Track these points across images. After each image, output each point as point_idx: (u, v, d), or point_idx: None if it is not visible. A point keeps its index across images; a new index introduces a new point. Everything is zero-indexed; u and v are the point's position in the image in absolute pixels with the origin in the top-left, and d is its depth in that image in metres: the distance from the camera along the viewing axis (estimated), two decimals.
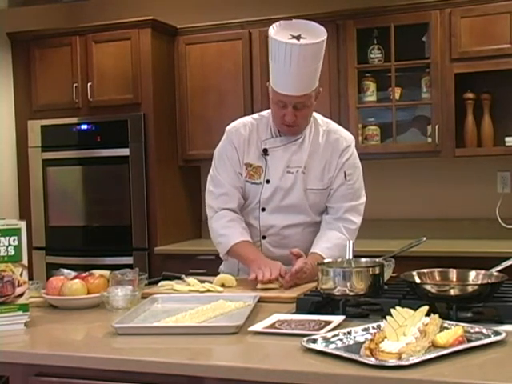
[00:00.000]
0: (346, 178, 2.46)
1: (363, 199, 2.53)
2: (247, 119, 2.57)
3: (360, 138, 4.14)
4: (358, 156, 2.55)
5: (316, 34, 2.33)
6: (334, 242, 2.42)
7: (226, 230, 2.47)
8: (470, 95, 3.93)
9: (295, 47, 2.25)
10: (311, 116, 2.49)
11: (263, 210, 2.50)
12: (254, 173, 2.49)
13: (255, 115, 2.59)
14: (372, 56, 4.11)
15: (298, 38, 2.28)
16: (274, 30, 2.31)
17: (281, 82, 2.34)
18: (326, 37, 2.35)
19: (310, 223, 2.51)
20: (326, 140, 2.49)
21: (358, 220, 2.50)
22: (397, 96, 4.09)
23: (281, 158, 2.47)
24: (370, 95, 4.14)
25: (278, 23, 2.33)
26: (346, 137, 2.53)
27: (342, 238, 2.41)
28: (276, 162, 2.47)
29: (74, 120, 4.42)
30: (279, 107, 2.38)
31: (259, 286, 2.24)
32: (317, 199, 2.48)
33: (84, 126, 4.40)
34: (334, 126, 2.56)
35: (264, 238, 2.52)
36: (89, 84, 4.38)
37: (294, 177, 2.45)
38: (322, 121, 2.55)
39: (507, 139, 3.87)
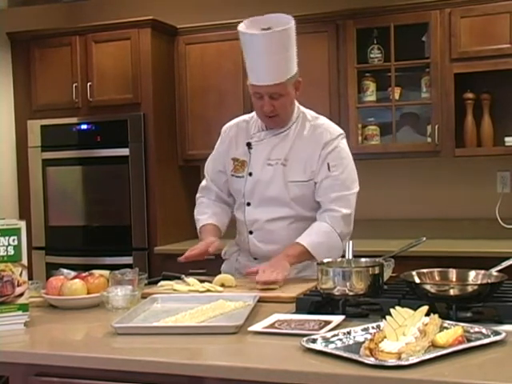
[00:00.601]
0: (329, 170, 2.45)
1: (353, 190, 2.50)
2: (241, 118, 2.67)
3: (360, 138, 4.14)
4: (346, 148, 2.54)
5: (284, 24, 2.38)
6: (315, 229, 2.43)
7: (199, 215, 2.68)
8: (470, 95, 3.93)
9: (262, 37, 2.33)
10: (292, 106, 2.51)
11: (248, 204, 2.55)
12: (239, 167, 2.56)
13: (250, 114, 2.66)
14: (372, 56, 4.11)
15: (267, 29, 2.36)
16: (244, 26, 2.41)
17: (254, 74, 2.41)
18: (292, 24, 2.39)
19: (296, 218, 2.50)
20: (312, 134, 2.51)
21: (346, 209, 2.45)
22: (396, 96, 4.09)
23: (263, 150, 2.52)
24: (370, 95, 4.14)
25: (247, 19, 2.43)
26: (331, 130, 2.52)
27: (325, 226, 2.42)
28: (258, 155, 2.52)
29: (73, 120, 4.42)
30: (257, 99, 2.44)
31: (259, 286, 2.24)
32: (299, 192, 2.47)
33: (84, 126, 4.40)
34: (321, 120, 2.57)
35: (251, 233, 2.56)
36: (89, 84, 4.38)
37: (274, 169, 2.49)
38: (310, 116, 2.57)
39: (507, 139, 3.87)
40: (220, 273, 2.58)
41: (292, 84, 2.44)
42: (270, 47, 2.33)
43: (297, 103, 2.57)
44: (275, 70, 2.36)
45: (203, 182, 2.74)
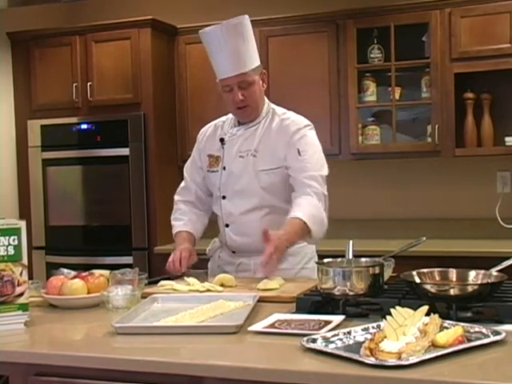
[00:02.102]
0: (299, 154, 2.52)
1: (324, 172, 2.56)
2: (218, 119, 2.78)
3: (360, 138, 4.14)
4: (314, 137, 2.61)
5: (236, 20, 2.54)
6: (306, 202, 2.45)
7: (175, 221, 2.75)
8: (470, 95, 3.93)
9: (218, 30, 2.50)
10: (262, 98, 2.61)
11: (224, 197, 2.63)
12: (214, 162, 2.66)
13: (228, 115, 2.75)
14: (372, 56, 4.11)
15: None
16: (202, 30, 2.58)
17: (220, 69, 2.56)
18: (245, 19, 2.55)
19: (269, 209, 2.55)
20: (280, 125, 2.60)
21: (322, 189, 2.50)
22: (397, 96, 4.09)
23: (234, 144, 2.62)
24: (370, 95, 4.14)
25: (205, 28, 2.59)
26: (299, 122, 2.61)
27: (312, 199, 2.46)
28: (230, 149, 2.62)
29: (73, 120, 4.42)
30: (227, 93, 2.55)
31: (259, 285, 2.24)
32: (270, 180, 2.54)
33: (84, 126, 4.40)
34: (289, 114, 2.65)
35: (227, 226, 2.64)
36: (89, 84, 4.38)
37: (245, 160, 2.57)
38: (280, 111, 2.66)
39: (507, 139, 3.87)
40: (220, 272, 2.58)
41: (258, 74, 2.56)
42: (226, 40, 2.48)
43: (267, 100, 2.67)
44: (237, 60, 2.50)
45: (182, 183, 2.81)
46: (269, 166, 2.55)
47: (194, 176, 2.76)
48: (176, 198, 2.80)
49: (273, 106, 2.68)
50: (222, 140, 2.65)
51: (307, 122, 2.64)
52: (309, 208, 2.43)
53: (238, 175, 2.58)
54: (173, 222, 2.76)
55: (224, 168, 2.62)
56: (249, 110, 2.58)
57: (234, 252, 2.64)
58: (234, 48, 2.49)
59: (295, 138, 2.55)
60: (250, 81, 2.52)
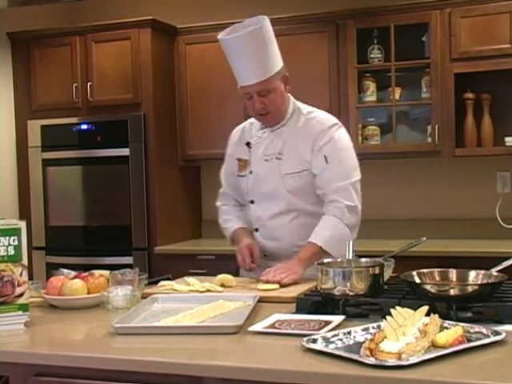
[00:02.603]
0: (327, 162, 2.46)
1: (354, 178, 2.49)
2: (247, 121, 2.75)
3: (360, 138, 4.14)
4: (343, 138, 2.54)
5: (256, 24, 2.46)
6: (323, 225, 2.43)
7: (224, 224, 2.74)
8: (470, 95, 3.93)
9: (236, 39, 2.42)
10: (284, 102, 2.54)
11: (252, 202, 2.61)
12: (243, 166, 2.63)
13: None
14: (372, 56, 4.11)
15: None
16: (223, 34, 2.49)
17: (240, 76, 2.49)
18: (265, 22, 2.47)
19: (297, 212, 2.51)
20: (305, 126, 2.54)
21: (348, 200, 2.43)
22: (397, 96, 4.09)
23: (260, 148, 2.58)
24: (370, 95, 4.14)
25: (227, 28, 2.50)
26: (324, 121, 2.54)
27: (332, 219, 2.42)
28: (256, 152, 2.59)
29: (73, 120, 4.42)
30: (248, 100, 2.51)
31: (259, 286, 2.24)
32: (295, 183, 2.49)
33: (84, 126, 4.40)
34: (315, 113, 2.59)
35: (257, 230, 2.62)
36: (89, 84, 4.38)
37: (270, 164, 2.54)
38: (305, 110, 2.60)
39: (507, 139, 3.87)
40: (220, 273, 2.58)
41: (279, 79, 2.49)
42: (246, 48, 2.42)
43: (292, 99, 2.61)
44: (257, 68, 2.43)
45: (221, 189, 2.81)
46: (294, 170, 2.50)
47: (229, 181, 2.74)
48: (218, 203, 2.82)
49: (299, 104, 2.62)
50: (248, 144, 2.62)
51: (334, 120, 2.57)
52: (326, 231, 2.40)
53: (264, 179, 2.55)
54: (223, 226, 2.75)
55: (251, 172, 2.59)
56: (270, 117, 2.54)
57: (265, 255, 2.58)
58: (253, 55, 2.42)
59: (321, 141, 2.48)
60: (270, 88, 2.46)
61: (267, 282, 2.26)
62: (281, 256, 2.49)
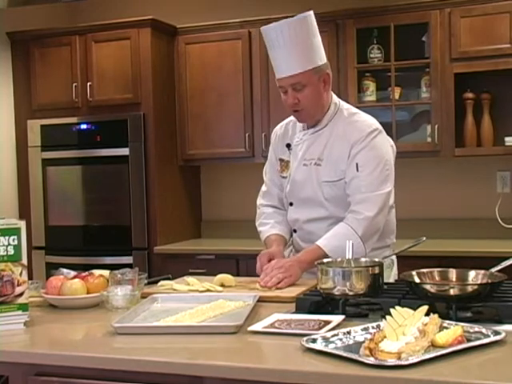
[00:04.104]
0: (357, 170, 2.37)
1: (384, 190, 2.38)
2: (290, 118, 2.63)
3: None
4: (379, 146, 2.42)
5: (301, 15, 2.42)
6: (334, 232, 2.36)
7: (261, 227, 2.64)
8: (470, 95, 3.93)
9: (279, 27, 2.36)
10: (322, 101, 2.44)
11: (291, 204, 2.55)
12: (285, 167, 2.57)
13: None
14: (372, 56, 4.11)
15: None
16: (264, 26, 2.45)
17: (277, 68, 2.41)
18: (309, 14, 2.42)
19: (335, 219, 2.43)
20: (344, 131, 2.44)
21: (370, 212, 2.34)
22: (396, 96, 4.09)
23: (300, 150, 2.51)
24: (370, 95, 4.14)
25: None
26: (363, 128, 2.43)
27: (346, 228, 2.34)
28: (296, 155, 2.52)
29: (73, 120, 4.42)
30: (283, 94, 2.43)
31: (258, 286, 2.25)
32: (332, 192, 2.42)
33: (84, 126, 4.40)
34: (356, 117, 2.49)
35: (295, 231, 2.57)
36: (88, 84, 4.38)
37: (308, 169, 2.46)
38: (347, 113, 2.50)
39: (507, 139, 3.87)
40: (220, 273, 2.57)
41: (317, 76, 2.39)
42: (285, 37, 2.35)
43: (336, 99, 2.52)
44: (294, 59, 2.35)
45: (263, 187, 2.71)
46: (331, 178, 2.41)
47: (273, 178, 2.65)
48: (259, 202, 2.70)
49: (343, 105, 2.53)
50: (288, 145, 2.55)
51: (375, 125, 2.46)
52: (335, 239, 2.32)
53: (301, 184, 2.48)
54: (259, 228, 2.65)
55: (290, 175, 2.53)
56: (304, 114, 2.44)
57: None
58: (292, 46, 2.34)
59: (356, 149, 2.38)
60: (305, 83, 2.36)
61: (265, 286, 2.22)
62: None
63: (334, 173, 2.42)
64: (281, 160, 2.59)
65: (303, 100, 2.39)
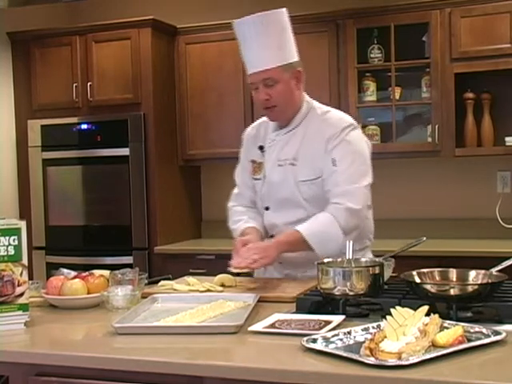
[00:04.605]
0: (335, 165, 2.32)
1: (364, 182, 2.35)
2: (262, 119, 2.59)
3: None
4: (356, 141, 2.38)
5: (272, 11, 2.37)
6: (315, 219, 2.31)
7: (234, 225, 2.57)
8: (470, 95, 3.93)
9: (250, 20, 2.34)
10: (293, 98, 2.39)
11: (267, 208, 2.49)
12: (258, 169, 2.51)
13: None
14: (372, 56, 4.11)
15: None
16: (236, 20, 2.41)
17: (248, 63, 2.37)
18: (283, 11, 2.38)
19: None
20: (318, 129, 2.39)
21: (352, 203, 2.29)
22: (397, 96, 4.09)
23: (273, 151, 2.45)
24: (370, 95, 4.15)
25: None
26: (338, 123, 2.38)
27: (327, 216, 2.29)
28: (269, 157, 2.47)
29: (74, 120, 4.42)
30: (254, 91, 2.38)
31: (232, 269, 2.23)
32: (310, 191, 2.37)
33: (84, 126, 4.41)
34: (330, 114, 2.45)
35: (272, 237, 2.46)
36: (89, 84, 4.38)
37: (284, 169, 2.41)
38: (321, 110, 2.46)
39: (507, 139, 3.87)
40: (220, 273, 2.57)
41: (289, 73, 2.35)
42: (256, 31, 2.32)
43: (307, 98, 2.48)
44: (266, 54, 2.32)
45: (235, 190, 2.65)
46: (308, 177, 2.36)
47: (245, 180, 2.58)
48: (230, 204, 2.64)
49: (314, 104, 2.48)
50: (261, 148, 2.49)
51: (349, 121, 2.41)
52: (316, 224, 2.28)
53: (279, 185, 2.41)
54: (232, 227, 2.56)
55: (265, 176, 2.47)
56: (276, 111, 2.39)
57: (280, 263, 2.44)
58: (262, 42, 2.31)
59: (332, 144, 2.34)
60: (276, 78, 2.32)
61: (237, 267, 2.18)
62: (298, 264, 2.40)
63: (311, 171, 2.37)
64: (253, 161, 2.53)
65: (275, 96, 2.34)
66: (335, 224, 2.28)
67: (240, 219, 2.54)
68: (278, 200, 2.44)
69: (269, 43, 2.32)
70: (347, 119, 2.44)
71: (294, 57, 2.40)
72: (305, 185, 2.38)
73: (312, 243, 2.27)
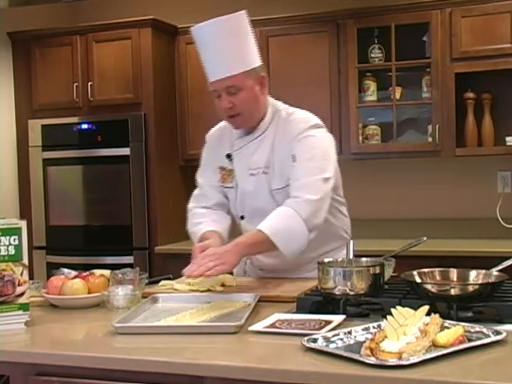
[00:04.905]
0: (294, 161, 2.23)
1: (326, 175, 2.23)
2: (224, 122, 2.50)
3: (360, 138, 4.14)
4: (318, 138, 2.29)
5: (231, 15, 2.28)
6: (276, 214, 2.18)
7: (193, 228, 2.46)
8: (471, 95, 3.93)
9: (208, 28, 2.24)
10: (260, 105, 2.31)
11: (242, 218, 2.41)
12: (227, 176, 2.40)
13: None
14: (372, 55, 4.11)
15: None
16: (194, 26, 2.32)
17: (210, 71, 2.27)
18: (241, 14, 2.28)
19: None
20: (284, 132, 2.30)
21: (312, 195, 2.18)
22: (397, 96, 4.09)
23: (242, 159, 2.36)
24: (371, 95, 4.14)
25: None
26: (302, 124, 2.29)
27: (287, 210, 2.17)
28: (239, 165, 2.37)
29: (74, 119, 4.42)
30: (217, 99, 2.29)
31: (184, 278, 2.16)
32: (285, 199, 2.24)
33: (84, 126, 4.41)
34: (294, 115, 2.34)
35: None
36: (89, 83, 4.38)
37: (257, 179, 2.32)
38: (285, 113, 2.36)
39: (508, 139, 3.87)
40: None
41: (253, 78, 2.25)
42: (215, 38, 2.22)
43: (271, 101, 2.39)
44: (228, 61, 2.21)
45: (196, 191, 2.54)
46: (281, 185, 2.28)
47: (211, 182, 2.46)
48: (190, 205, 2.53)
49: (279, 106, 2.39)
50: (228, 156, 2.39)
51: (312, 121, 2.32)
52: (278, 221, 2.15)
53: (253, 194, 2.33)
54: (191, 230, 2.46)
55: (237, 185, 2.38)
56: (241, 119, 2.30)
57: (260, 269, 2.43)
58: (223, 48, 2.21)
59: (294, 143, 2.26)
60: (240, 86, 2.23)
61: (190, 276, 2.03)
62: (278, 271, 2.37)
63: (281, 178, 2.28)
64: (222, 168, 2.42)
65: (239, 104, 2.25)
66: (297, 218, 2.16)
67: (200, 222, 2.42)
68: (253, 209, 2.34)
69: (230, 49, 2.22)
70: (311, 119, 2.34)
71: (257, 61, 2.30)
72: (279, 193, 2.30)
73: (277, 242, 2.14)
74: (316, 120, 2.35)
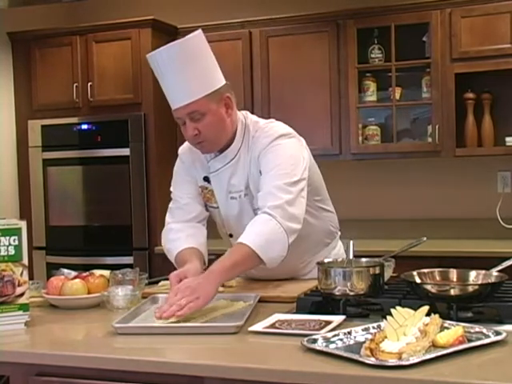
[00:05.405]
0: (261, 173, 2.17)
1: (295, 177, 2.13)
2: None
3: (360, 138, 4.14)
4: (287, 147, 2.18)
5: (183, 38, 2.15)
6: (254, 225, 2.08)
7: (168, 244, 2.32)
8: (471, 95, 3.94)
9: (160, 54, 2.11)
10: (225, 127, 2.19)
11: (230, 236, 2.36)
12: (210, 196, 2.33)
13: None
14: (372, 56, 4.12)
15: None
16: (149, 54, 2.18)
17: (170, 98, 2.17)
18: (197, 34, 2.15)
19: None
20: (252, 151, 2.22)
21: (281, 195, 2.08)
22: (397, 96, 4.09)
23: (220, 182, 2.27)
24: (371, 95, 4.15)
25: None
26: (268, 136, 2.20)
27: (262, 217, 2.08)
28: (218, 187, 2.29)
29: (74, 120, 4.42)
30: (182, 126, 2.17)
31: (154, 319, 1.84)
32: None
33: (84, 126, 4.41)
34: (260, 131, 2.24)
35: None
36: (89, 84, 4.38)
37: (239, 202, 2.25)
38: (254, 127, 2.26)
39: (508, 139, 3.87)
40: None
41: (216, 101, 2.14)
42: (170, 64, 2.09)
43: (241, 117, 2.28)
44: (187, 86, 2.10)
45: (171, 204, 2.39)
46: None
47: (189, 191, 2.34)
48: (167, 219, 2.38)
49: (249, 121, 2.28)
50: (206, 178, 2.30)
51: (278, 132, 2.21)
52: (258, 231, 2.05)
53: (239, 216, 2.26)
54: (167, 246, 2.31)
55: (219, 208, 2.31)
56: (208, 145, 2.19)
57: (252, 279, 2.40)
58: (182, 73, 2.09)
59: (261, 157, 2.17)
60: (203, 110, 2.10)
61: (160, 318, 1.79)
62: (270, 279, 2.34)
63: None
64: (202, 188, 2.33)
65: (204, 130, 2.13)
66: (273, 222, 2.05)
67: (176, 238, 2.29)
68: (240, 228, 2.20)
69: (189, 73, 2.10)
70: (276, 130, 2.23)
71: (220, 82, 2.18)
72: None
73: (261, 253, 2.02)
74: (282, 130, 2.24)
